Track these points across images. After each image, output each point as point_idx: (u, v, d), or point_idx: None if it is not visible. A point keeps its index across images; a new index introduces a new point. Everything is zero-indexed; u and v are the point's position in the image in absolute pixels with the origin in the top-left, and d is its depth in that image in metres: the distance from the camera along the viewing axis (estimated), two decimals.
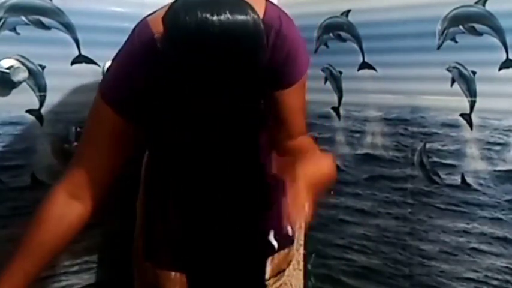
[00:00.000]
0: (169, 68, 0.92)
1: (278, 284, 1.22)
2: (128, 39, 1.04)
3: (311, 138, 1.19)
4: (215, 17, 0.84)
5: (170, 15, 0.88)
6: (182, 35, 0.86)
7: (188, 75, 0.90)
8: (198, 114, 0.99)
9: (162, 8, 1.05)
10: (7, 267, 1.01)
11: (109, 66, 1.09)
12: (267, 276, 1.17)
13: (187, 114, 1.00)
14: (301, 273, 1.33)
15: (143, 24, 1.02)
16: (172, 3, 0.89)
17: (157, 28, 0.96)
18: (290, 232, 1.21)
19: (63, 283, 1.34)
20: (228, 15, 0.84)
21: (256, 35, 0.88)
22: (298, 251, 1.30)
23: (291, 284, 1.27)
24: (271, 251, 1.17)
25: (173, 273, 1.14)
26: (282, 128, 1.12)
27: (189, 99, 0.95)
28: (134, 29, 1.04)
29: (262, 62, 0.92)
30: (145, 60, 0.99)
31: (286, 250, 1.21)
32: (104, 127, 1.05)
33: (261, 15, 0.98)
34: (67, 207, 1.05)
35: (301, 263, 1.32)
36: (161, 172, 1.16)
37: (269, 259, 1.17)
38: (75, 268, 1.37)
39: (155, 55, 0.96)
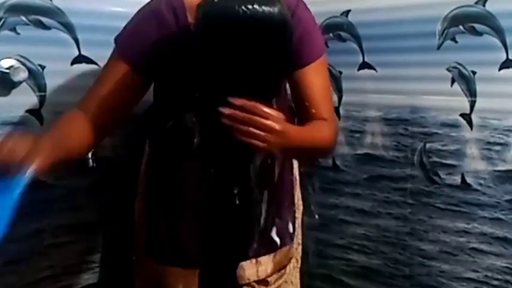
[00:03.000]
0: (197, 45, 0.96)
1: (280, 281, 1.23)
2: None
3: (331, 123, 1.14)
4: (243, 7, 0.88)
5: (204, 2, 0.92)
6: (211, 22, 0.91)
7: (215, 59, 0.94)
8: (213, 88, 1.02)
9: None
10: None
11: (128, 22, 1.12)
12: (269, 272, 1.18)
13: (203, 83, 1.03)
14: (299, 271, 1.34)
15: None
16: None
17: None
18: (291, 229, 1.23)
19: (63, 283, 1.34)
20: (256, 6, 0.88)
21: (281, 26, 0.92)
22: (297, 249, 1.31)
23: (291, 282, 1.28)
24: (274, 247, 1.18)
25: (174, 269, 1.15)
26: (301, 110, 1.13)
27: (209, 73, 0.99)
28: None
29: (288, 49, 0.96)
30: (167, 24, 1.06)
31: (287, 247, 1.22)
32: (114, 77, 1.08)
33: None
34: (81, 124, 1.06)
35: (299, 262, 1.33)
36: (162, 171, 1.17)
37: (271, 255, 1.17)
38: (75, 268, 1.37)
39: (179, 22, 1.04)
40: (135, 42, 1.08)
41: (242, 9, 0.88)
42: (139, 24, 1.09)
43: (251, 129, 0.92)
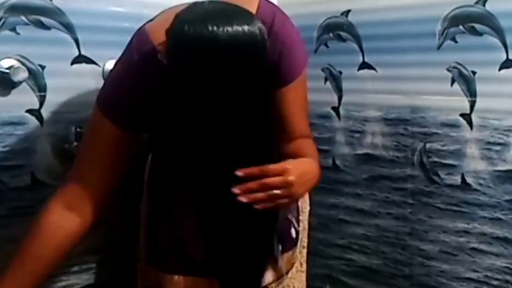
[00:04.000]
0: (172, 78, 0.91)
1: (281, 286, 1.21)
2: (126, 50, 1.04)
3: (312, 141, 1.15)
4: (221, 29, 0.83)
5: (175, 27, 0.86)
6: (188, 48, 0.85)
7: (193, 87, 0.89)
8: (201, 119, 0.98)
9: (161, 13, 1.05)
10: (2, 280, 0.99)
11: (109, 72, 1.08)
12: (270, 279, 1.16)
13: (190, 120, 1.00)
14: (304, 275, 1.32)
15: (141, 35, 1.02)
16: (177, 15, 0.88)
17: (156, 37, 0.97)
18: (294, 234, 1.21)
19: (63, 283, 1.34)
20: (235, 27, 0.83)
21: (262, 46, 0.88)
22: (301, 252, 1.29)
23: (294, 286, 1.26)
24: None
25: (176, 277, 1.14)
26: (281, 128, 1.10)
27: (192, 107, 0.95)
28: (132, 39, 1.03)
29: (266, 70, 0.92)
30: (144, 72, 0.99)
31: (290, 252, 1.21)
32: (102, 139, 1.04)
33: (254, 12, 0.97)
34: (65, 219, 1.02)
35: (304, 265, 1.32)
36: (164, 175, 1.16)
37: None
38: (75, 268, 1.36)
39: (154, 66, 0.96)
40: (117, 101, 1.02)
41: (220, 30, 0.82)
42: (117, 81, 1.04)
43: (269, 192, 0.92)
